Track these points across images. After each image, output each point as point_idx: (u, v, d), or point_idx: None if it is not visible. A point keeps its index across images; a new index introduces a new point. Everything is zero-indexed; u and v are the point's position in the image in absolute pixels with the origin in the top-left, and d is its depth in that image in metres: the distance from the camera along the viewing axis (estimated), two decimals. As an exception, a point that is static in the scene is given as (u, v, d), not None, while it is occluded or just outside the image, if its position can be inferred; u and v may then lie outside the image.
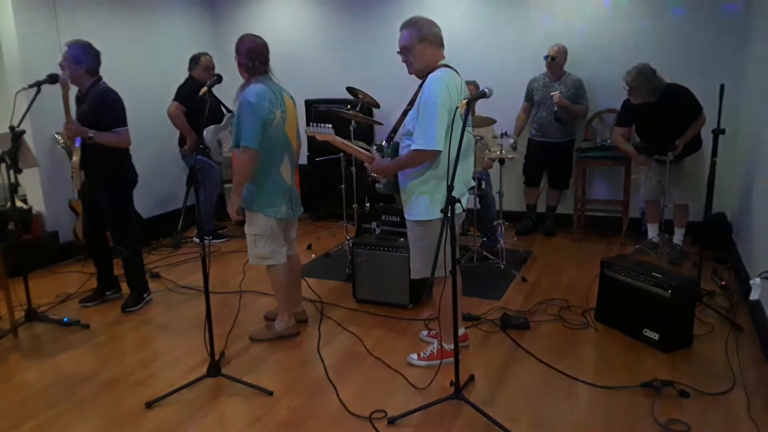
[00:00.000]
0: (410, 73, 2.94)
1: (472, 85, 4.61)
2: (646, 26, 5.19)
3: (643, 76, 4.16)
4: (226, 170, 5.88)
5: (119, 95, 3.77)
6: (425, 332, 3.47)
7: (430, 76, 2.80)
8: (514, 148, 5.10)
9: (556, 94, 5.13)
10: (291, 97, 3.38)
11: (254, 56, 3.21)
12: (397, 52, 2.90)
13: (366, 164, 3.07)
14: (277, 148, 3.25)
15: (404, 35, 2.85)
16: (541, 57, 5.24)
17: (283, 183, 3.31)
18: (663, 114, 4.28)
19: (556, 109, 5.18)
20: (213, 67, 5.38)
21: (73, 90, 3.78)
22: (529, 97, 5.45)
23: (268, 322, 3.64)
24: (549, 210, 5.69)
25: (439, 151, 2.73)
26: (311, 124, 3.03)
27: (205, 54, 5.42)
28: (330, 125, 2.99)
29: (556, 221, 5.66)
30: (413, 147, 2.75)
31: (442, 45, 2.89)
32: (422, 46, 2.83)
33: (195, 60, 5.39)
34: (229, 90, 4.90)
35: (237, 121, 3.16)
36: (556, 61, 5.18)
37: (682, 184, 4.56)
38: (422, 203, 2.87)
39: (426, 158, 2.78)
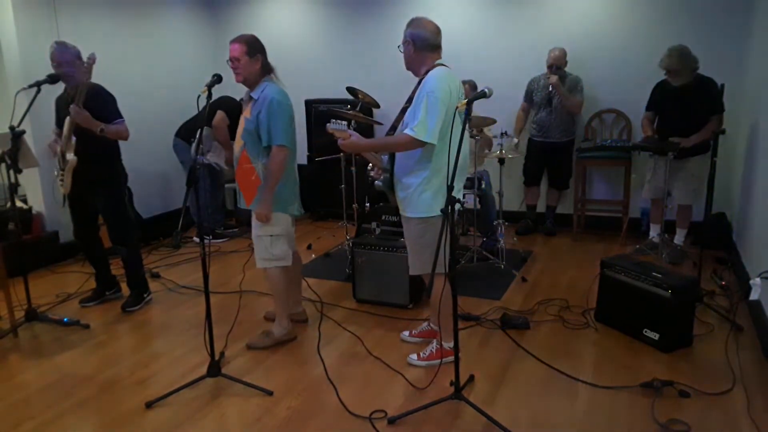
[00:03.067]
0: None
1: (467, 84, 4.62)
2: (646, 26, 5.19)
3: (685, 57, 4.28)
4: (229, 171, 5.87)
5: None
6: (406, 332, 3.46)
7: (431, 73, 2.82)
8: (516, 147, 5.09)
9: (554, 77, 5.13)
10: None
11: (265, 53, 3.17)
12: (397, 46, 2.96)
13: (339, 141, 2.95)
14: (295, 146, 3.26)
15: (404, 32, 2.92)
16: (541, 57, 5.23)
17: (296, 180, 3.35)
18: (691, 101, 4.35)
19: (551, 89, 5.17)
20: None
21: (53, 94, 3.76)
22: (528, 97, 5.46)
23: (265, 330, 3.59)
24: (549, 210, 5.69)
25: (432, 144, 2.74)
26: (331, 121, 2.99)
27: None
28: (344, 122, 2.99)
29: (556, 221, 5.66)
30: (408, 131, 2.73)
31: (431, 49, 2.87)
32: (408, 47, 2.88)
33: None
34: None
35: (266, 121, 3.07)
36: (560, 70, 5.18)
37: (685, 185, 4.56)
38: (424, 200, 2.88)
39: (414, 146, 2.78)
